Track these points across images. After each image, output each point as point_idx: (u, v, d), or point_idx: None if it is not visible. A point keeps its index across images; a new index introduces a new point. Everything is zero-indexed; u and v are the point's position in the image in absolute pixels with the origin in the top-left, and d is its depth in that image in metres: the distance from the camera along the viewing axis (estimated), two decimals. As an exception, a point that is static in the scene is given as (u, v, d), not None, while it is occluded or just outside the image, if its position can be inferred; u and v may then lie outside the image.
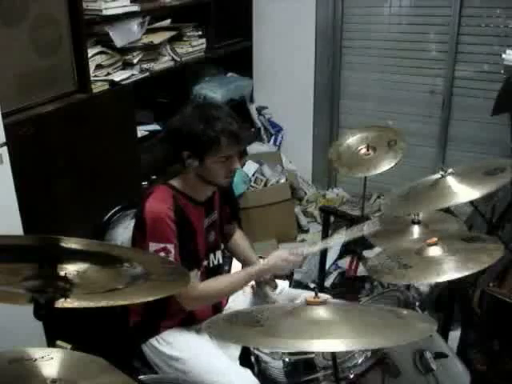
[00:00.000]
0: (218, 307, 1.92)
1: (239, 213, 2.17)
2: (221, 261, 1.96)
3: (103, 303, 1.12)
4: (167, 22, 3.05)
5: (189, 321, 1.85)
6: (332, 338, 1.05)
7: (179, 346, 1.80)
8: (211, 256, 1.91)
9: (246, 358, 1.76)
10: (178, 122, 1.75)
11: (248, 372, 1.71)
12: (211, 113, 1.71)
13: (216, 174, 1.75)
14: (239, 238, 2.09)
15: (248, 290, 2.02)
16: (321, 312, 1.14)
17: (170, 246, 1.68)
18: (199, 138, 1.68)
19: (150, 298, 1.17)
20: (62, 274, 1.01)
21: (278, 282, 2.02)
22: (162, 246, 1.68)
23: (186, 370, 1.76)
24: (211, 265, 1.91)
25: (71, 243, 0.97)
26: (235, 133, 1.71)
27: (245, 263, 2.03)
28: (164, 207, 1.72)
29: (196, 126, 1.68)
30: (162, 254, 1.66)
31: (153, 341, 1.83)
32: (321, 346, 1.05)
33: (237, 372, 1.72)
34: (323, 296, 1.24)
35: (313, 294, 1.20)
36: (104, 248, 1.09)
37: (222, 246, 1.98)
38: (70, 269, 1.01)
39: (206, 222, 1.86)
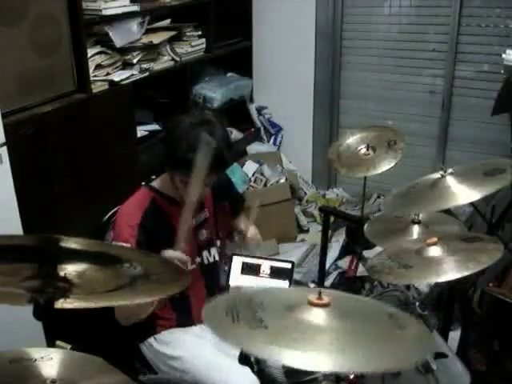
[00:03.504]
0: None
1: (241, 208, 2.15)
2: (216, 258, 1.96)
3: (103, 303, 1.12)
4: (167, 22, 3.05)
5: (185, 321, 1.85)
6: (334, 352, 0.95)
7: (177, 345, 1.81)
8: (205, 253, 1.92)
9: (246, 358, 1.76)
10: (172, 124, 1.78)
11: (247, 370, 1.71)
12: (199, 136, 1.63)
13: (177, 187, 1.76)
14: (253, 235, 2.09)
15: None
16: (323, 319, 1.01)
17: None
18: (171, 151, 1.72)
19: (150, 299, 1.17)
20: (62, 274, 1.01)
21: (278, 282, 2.02)
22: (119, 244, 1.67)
23: (184, 368, 1.76)
24: (206, 262, 1.92)
25: (71, 243, 0.97)
26: (193, 166, 1.60)
27: None
28: (134, 212, 1.74)
29: (176, 139, 1.69)
30: None
31: (150, 340, 1.83)
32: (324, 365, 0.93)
33: (236, 369, 1.72)
34: (328, 292, 1.14)
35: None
36: (103, 248, 1.09)
37: (219, 243, 1.98)
38: (70, 269, 1.01)
39: (194, 221, 1.86)
